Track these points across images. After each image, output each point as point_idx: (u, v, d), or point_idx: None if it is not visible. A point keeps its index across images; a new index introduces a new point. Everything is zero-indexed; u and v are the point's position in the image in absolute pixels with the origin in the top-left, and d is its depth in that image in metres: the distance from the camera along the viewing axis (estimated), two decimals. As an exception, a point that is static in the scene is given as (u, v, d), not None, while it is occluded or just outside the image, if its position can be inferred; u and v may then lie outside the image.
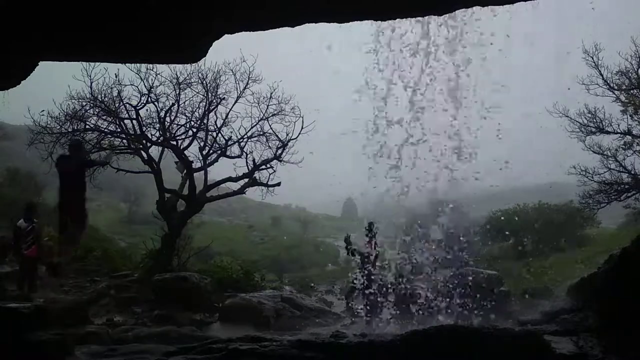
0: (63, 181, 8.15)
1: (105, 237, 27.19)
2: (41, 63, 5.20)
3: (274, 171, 15.46)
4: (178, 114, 15.03)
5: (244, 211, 61.90)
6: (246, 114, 15.27)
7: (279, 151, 15.28)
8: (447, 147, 6.58)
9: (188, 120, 15.22)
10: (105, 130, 14.71)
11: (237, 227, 53.67)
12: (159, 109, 14.71)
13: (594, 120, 17.84)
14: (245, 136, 15.34)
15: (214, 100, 15.06)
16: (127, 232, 37.42)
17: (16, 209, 13.93)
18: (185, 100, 15.02)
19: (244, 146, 15.40)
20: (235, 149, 15.47)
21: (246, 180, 15.39)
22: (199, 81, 14.86)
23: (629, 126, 17.55)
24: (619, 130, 17.76)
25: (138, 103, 14.38)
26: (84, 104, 14.15)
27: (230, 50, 11.67)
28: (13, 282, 11.63)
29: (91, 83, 13.77)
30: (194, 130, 15.20)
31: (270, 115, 15.25)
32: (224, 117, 15.22)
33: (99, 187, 15.47)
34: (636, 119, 17.26)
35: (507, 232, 21.63)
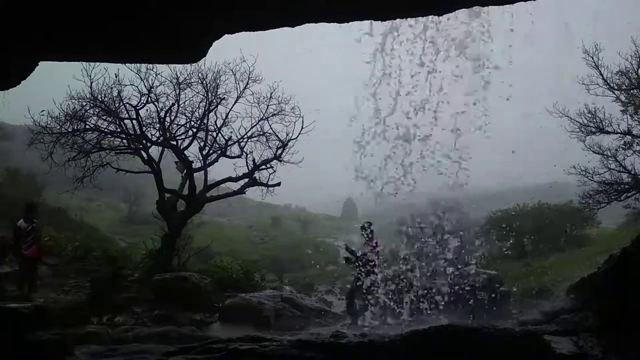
0: None
1: (105, 237, 27.22)
2: (41, 63, 5.20)
3: (274, 171, 15.50)
4: (178, 114, 15.06)
5: (244, 211, 61.88)
6: (246, 114, 15.32)
7: (279, 151, 15.30)
8: (447, 147, 6.58)
9: (188, 120, 15.26)
10: (105, 130, 14.72)
11: (237, 227, 53.67)
12: (159, 109, 14.74)
13: (594, 120, 17.84)
14: (245, 136, 15.38)
15: (214, 100, 15.07)
16: (127, 232, 37.41)
17: (16, 209, 13.93)
18: (185, 100, 15.07)
19: (244, 146, 15.44)
20: (235, 149, 15.51)
21: (246, 180, 15.40)
22: (199, 81, 14.88)
23: (629, 126, 17.57)
24: (619, 130, 17.77)
25: (138, 103, 14.41)
26: (84, 104, 14.17)
27: (230, 50, 11.67)
28: (13, 282, 11.63)
29: (91, 83, 13.81)
30: (194, 130, 15.22)
31: (270, 115, 15.28)
32: (224, 117, 15.27)
33: (99, 187, 15.49)
34: (636, 119, 17.26)
35: (507, 232, 21.62)
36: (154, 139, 14.95)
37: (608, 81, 17.24)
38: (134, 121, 14.47)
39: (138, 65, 13.70)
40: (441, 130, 6.48)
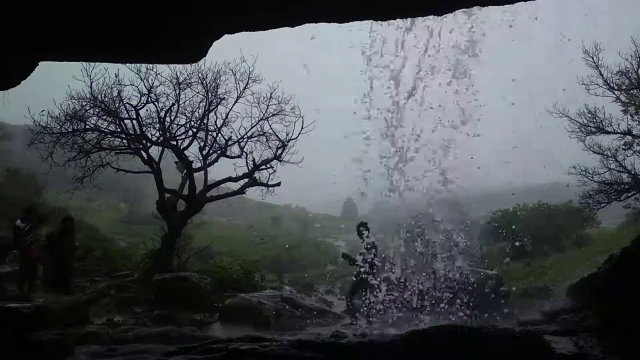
0: None
1: (105, 237, 27.24)
2: (41, 63, 5.20)
3: (274, 171, 15.49)
4: (178, 114, 15.05)
5: (244, 211, 61.92)
6: (246, 114, 15.30)
7: (279, 151, 15.30)
8: (447, 147, 6.58)
9: (188, 120, 15.25)
10: (105, 130, 14.72)
11: (237, 227, 53.72)
12: (159, 109, 14.73)
13: (594, 120, 17.85)
14: (245, 136, 15.37)
15: (214, 100, 15.07)
16: (127, 232, 37.44)
17: (16, 209, 13.95)
18: (185, 100, 15.06)
19: (244, 146, 15.43)
20: (235, 149, 15.50)
21: (246, 180, 15.39)
22: (199, 81, 14.88)
23: (629, 126, 17.59)
24: (619, 130, 17.78)
25: (138, 103, 14.40)
26: (84, 104, 14.16)
27: (230, 50, 11.67)
28: (13, 282, 11.65)
29: (91, 83, 13.80)
30: (194, 130, 15.22)
31: (270, 115, 15.27)
32: (224, 117, 15.26)
33: (99, 187, 15.49)
34: (636, 119, 17.27)
35: (507, 232, 21.64)
36: (154, 139, 14.95)
37: (608, 81, 17.26)
38: (134, 121, 14.47)
39: (138, 65, 13.71)
40: (441, 130, 6.48)
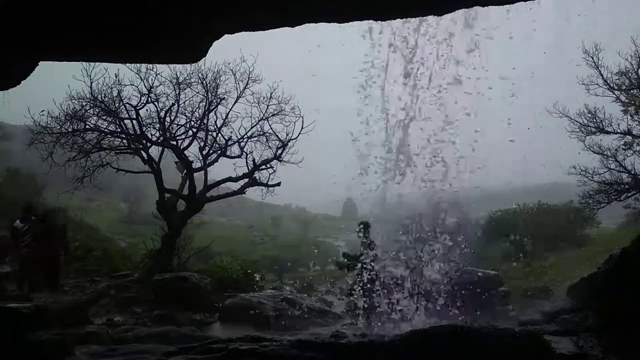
0: None
1: (105, 237, 27.22)
2: (41, 63, 5.20)
3: (274, 171, 15.49)
4: (178, 114, 15.06)
5: (244, 211, 61.90)
6: (246, 114, 15.31)
7: (279, 151, 15.30)
8: (447, 147, 6.58)
9: (188, 120, 15.26)
10: (105, 130, 14.72)
11: (237, 227, 53.70)
12: (159, 109, 14.74)
13: (594, 120, 17.86)
14: (245, 136, 15.38)
15: (214, 100, 15.07)
16: (127, 232, 37.41)
17: (16, 209, 13.94)
18: (185, 100, 15.07)
19: (244, 146, 15.43)
20: (235, 149, 15.51)
21: (246, 180, 15.40)
22: (199, 81, 14.89)
23: (629, 126, 17.59)
24: (619, 130, 17.78)
25: (138, 103, 14.41)
26: (84, 104, 14.17)
27: (230, 50, 11.67)
28: (13, 282, 11.64)
29: (91, 83, 13.80)
30: (194, 130, 15.23)
31: (270, 115, 15.28)
32: (224, 117, 15.27)
33: (99, 187, 15.50)
34: (636, 119, 17.28)
35: (507, 232, 21.64)
36: (154, 139, 14.96)
37: (608, 81, 17.26)
38: (134, 121, 14.47)
39: (138, 65, 13.71)
40: (441, 130, 6.48)
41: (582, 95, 17.63)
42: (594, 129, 17.95)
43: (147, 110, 14.72)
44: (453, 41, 5.81)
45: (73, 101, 14.09)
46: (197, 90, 15.02)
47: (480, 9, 4.68)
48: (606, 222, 24.88)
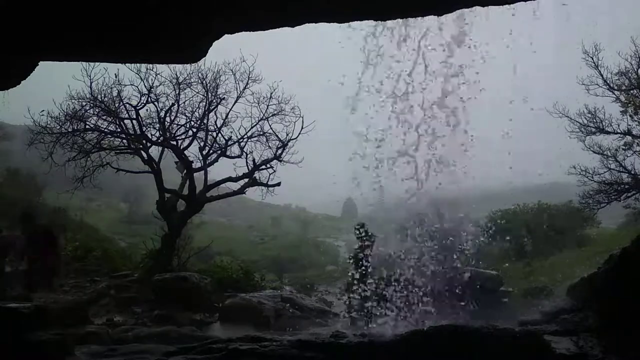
0: None
1: (105, 237, 27.23)
2: (41, 63, 5.20)
3: (274, 171, 15.49)
4: (178, 114, 15.07)
5: (244, 211, 61.89)
6: (246, 114, 15.31)
7: (279, 151, 15.30)
8: (447, 147, 6.58)
9: (188, 120, 15.26)
10: (105, 130, 14.72)
11: (237, 227, 53.71)
12: (159, 109, 14.74)
13: (594, 120, 17.86)
14: (245, 136, 15.38)
15: (214, 100, 15.07)
16: (127, 232, 37.42)
17: (16, 209, 13.96)
18: (185, 100, 15.07)
19: (244, 146, 15.43)
20: (235, 149, 15.50)
21: (246, 180, 15.39)
22: (199, 81, 14.88)
23: (629, 126, 17.59)
24: (619, 131, 17.78)
25: (138, 103, 14.41)
26: (84, 104, 14.17)
27: (230, 50, 11.68)
28: (13, 282, 11.61)
29: (91, 83, 13.81)
30: (194, 130, 15.23)
31: (270, 115, 15.27)
32: (224, 117, 15.26)
33: (99, 187, 15.50)
34: (636, 119, 17.28)
35: (507, 232, 21.64)
36: (154, 139, 14.96)
37: (608, 81, 17.26)
38: (134, 121, 14.47)
39: (138, 65, 13.71)
40: (442, 130, 6.48)
41: (582, 95, 17.65)
42: (594, 129, 17.95)
43: (147, 110, 14.76)
44: (453, 41, 5.80)
45: (73, 101, 14.12)
46: (197, 90, 15.05)
47: (480, 9, 4.68)
48: (606, 222, 24.89)
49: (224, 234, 40.34)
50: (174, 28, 4.58)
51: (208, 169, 15.26)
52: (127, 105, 14.41)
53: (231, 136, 15.34)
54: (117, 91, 14.25)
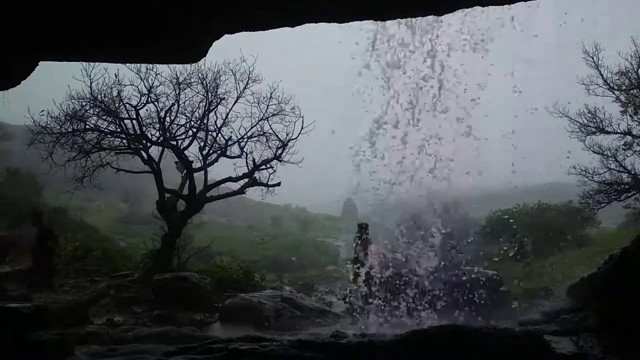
0: None
1: (105, 237, 27.21)
2: (41, 63, 5.21)
3: (274, 171, 15.47)
4: (178, 114, 15.04)
5: (244, 211, 61.85)
6: (246, 114, 15.29)
7: (279, 151, 15.29)
8: (447, 147, 6.58)
9: (188, 120, 15.24)
10: (105, 130, 14.71)
11: (237, 227, 53.65)
12: (159, 109, 14.72)
13: (594, 120, 17.87)
14: (245, 136, 15.36)
15: (214, 100, 15.06)
16: (127, 232, 37.38)
17: (16, 209, 13.95)
18: (185, 100, 15.04)
19: (244, 146, 15.41)
20: (235, 149, 15.48)
21: (246, 180, 15.39)
22: (199, 81, 14.86)
23: (629, 126, 17.60)
24: (619, 130, 17.79)
25: (138, 103, 14.39)
26: (84, 104, 14.15)
27: (230, 50, 11.67)
28: (13, 282, 11.63)
29: (91, 83, 13.78)
30: (194, 130, 15.21)
31: (270, 115, 15.26)
32: (224, 117, 15.24)
33: (99, 187, 15.49)
34: (636, 119, 17.28)
35: (507, 232, 21.62)
36: (154, 139, 14.94)
37: (608, 81, 17.27)
38: (134, 121, 14.46)
39: (138, 65, 13.70)
40: (441, 130, 6.48)
41: (582, 95, 17.66)
42: (594, 129, 17.96)
43: (147, 110, 14.73)
44: (454, 41, 5.81)
45: (73, 101, 14.09)
46: (197, 90, 15.02)
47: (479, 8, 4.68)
48: (606, 222, 24.90)
49: (224, 234, 40.30)
50: (174, 28, 4.58)
51: (208, 169, 15.25)
52: (127, 105, 14.41)
53: (231, 136, 15.35)
54: (117, 91, 14.25)
